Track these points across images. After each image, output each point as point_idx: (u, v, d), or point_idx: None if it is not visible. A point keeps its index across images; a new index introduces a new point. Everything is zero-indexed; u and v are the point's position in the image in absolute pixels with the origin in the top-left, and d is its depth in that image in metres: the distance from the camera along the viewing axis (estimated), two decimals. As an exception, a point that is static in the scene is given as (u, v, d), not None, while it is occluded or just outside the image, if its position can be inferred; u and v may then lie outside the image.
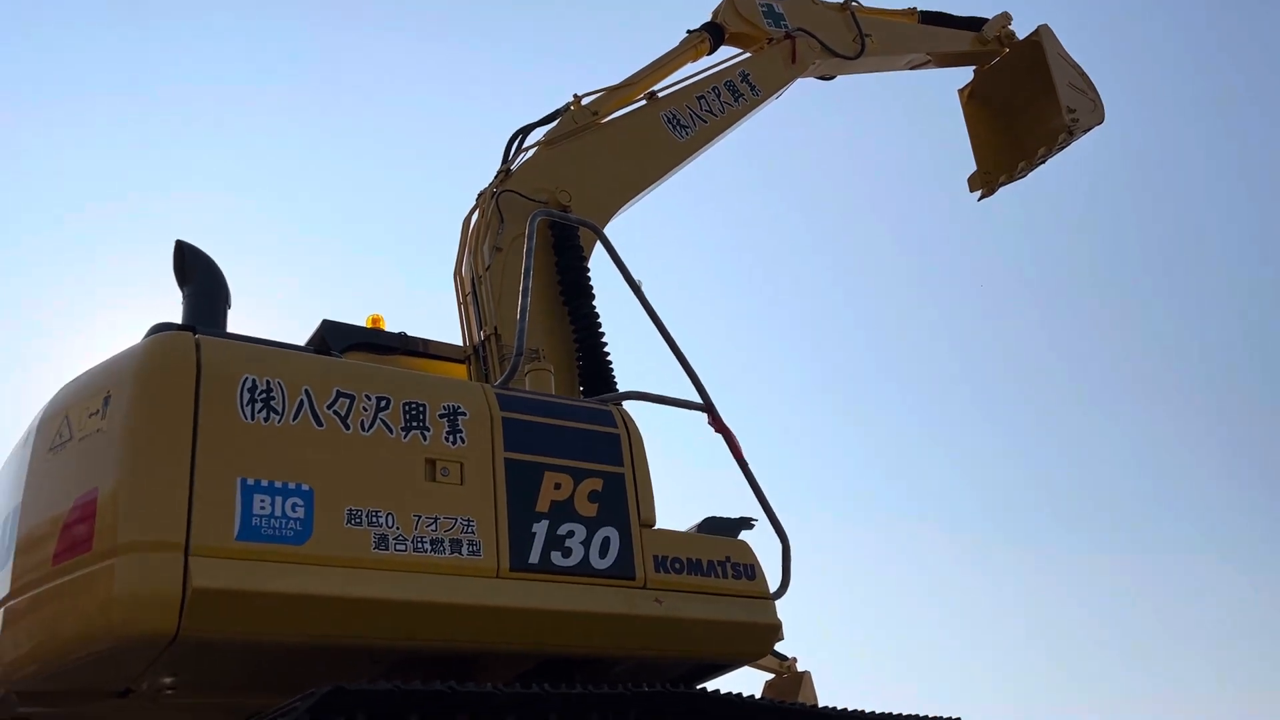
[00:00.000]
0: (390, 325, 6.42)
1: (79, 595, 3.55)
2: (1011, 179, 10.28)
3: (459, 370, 6.11)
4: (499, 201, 6.30)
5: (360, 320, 6.35)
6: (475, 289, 6.25)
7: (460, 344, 6.33)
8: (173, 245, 4.87)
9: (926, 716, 5.29)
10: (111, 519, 3.59)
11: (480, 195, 6.59)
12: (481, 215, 6.39)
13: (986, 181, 10.36)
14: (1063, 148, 9.97)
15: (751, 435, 5.45)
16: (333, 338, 5.96)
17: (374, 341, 6.11)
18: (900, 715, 5.18)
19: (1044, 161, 10.19)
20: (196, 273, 4.81)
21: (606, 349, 6.12)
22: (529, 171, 6.51)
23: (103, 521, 3.60)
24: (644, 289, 5.61)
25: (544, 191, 6.43)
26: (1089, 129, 10.08)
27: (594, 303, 6.24)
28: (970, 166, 10.42)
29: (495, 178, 6.57)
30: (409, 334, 6.40)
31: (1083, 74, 10.27)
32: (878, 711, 5.08)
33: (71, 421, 3.93)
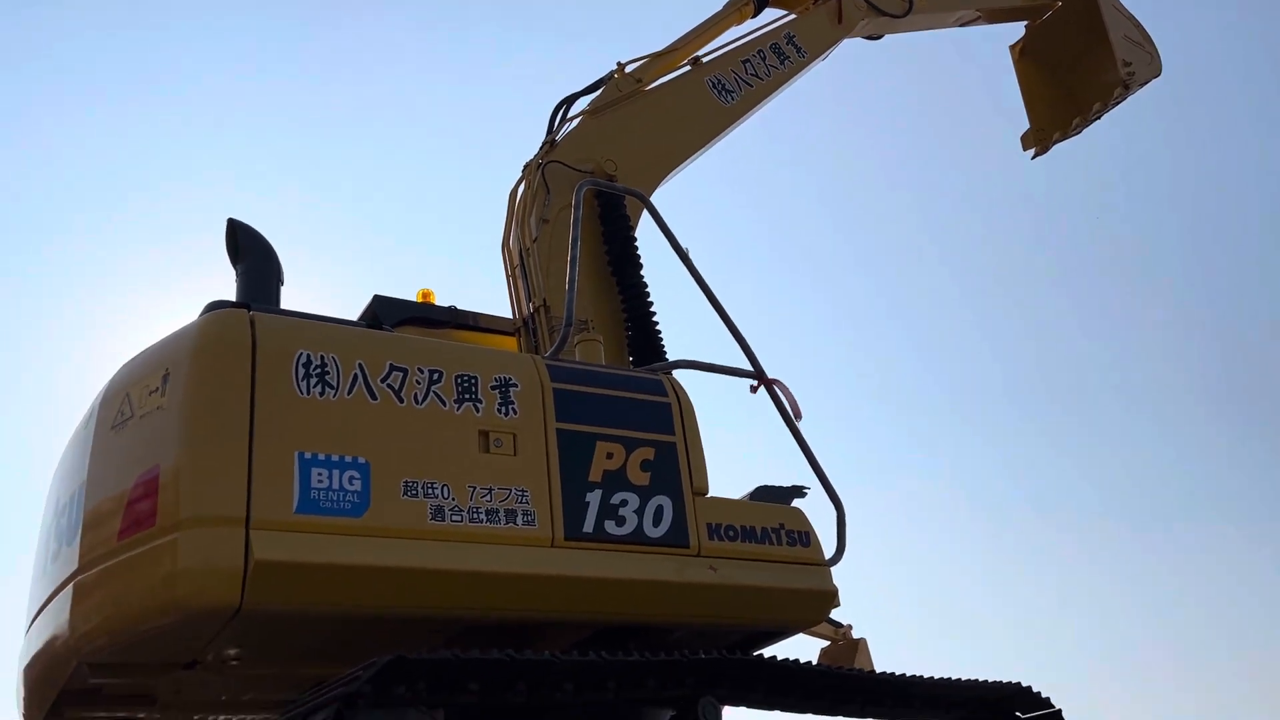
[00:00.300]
0: (440, 300, 6.47)
1: (144, 570, 3.63)
2: (1066, 136, 10.07)
3: (509, 343, 6.13)
4: (544, 173, 6.29)
5: (411, 296, 6.41)
6: (523, 261, 6.26)
7: (510, 317, 6.35)
8: (225, 223, 4.92)
9: (985, 681, 5.26)
10: (174, 495, 3.66)
11: (526, 167, 6.58)
12: (527, 187, 6.39)
13: (1040, 139, 10.16)
14: (1118, 102, 9.74)
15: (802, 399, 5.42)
16: (384, 313, 6.01)
17: (425, 316, 6.15)
18: (959, 680, 5.15)
19: (1099, 117, 9.96)
20: (249, 250, 4.86)
21: (655, 318, 6.10)
22: (574, 142, 6.49)
23: (165, 497, 3.67)
24: (691, 256, 5.57)
25: (589, 161, 6.40)
26: (1145, 82, 9.83)
27: (642, 272, 6.22)
28: (1023, 124, 10.23)
29: (540, 149, 6.56)
30: (459, 308, 6.45)
31: (1139, 26, 10.01)
32: (936, 677, 5.06)
33: (132, 399, 4.00)
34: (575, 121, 6.66)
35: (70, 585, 3.87)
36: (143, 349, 4.22)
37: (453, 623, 4.11)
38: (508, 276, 6.40)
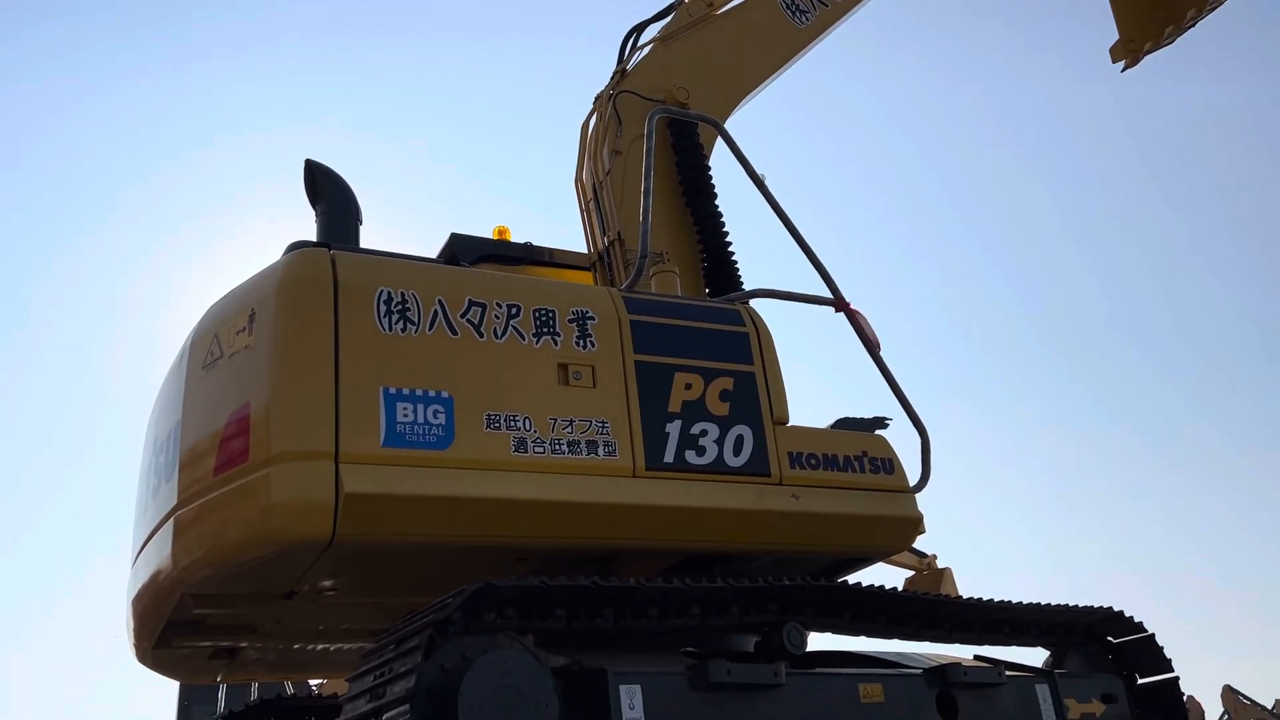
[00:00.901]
0: (516, 237, 6.49)
1: (240, 504, 3.74)
2: (1158, 46, 9.63)
3: (585, 277, 6.13)
4: (616, 103, 6.23)
5: (487, 233, 6.43)
6: (597, 195, 6.22)
7: (585, 251, 6.34)
8: (304, 165, 4.97)
9: (1074, 606, 5.20)
10: (265, 431, 3.75)
11: (597, 99, 6.52)
12: (599, 119, 6.33)
13: (1131, 50, 9.73)
14: (1214, 8, 9.27)
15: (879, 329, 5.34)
16: (462, 250, 6.04)
17: (501, 253, 6.18)
18: (1047, 605, 5.10)
19: (1194, 24, 9.50)
20: (327, 191, 4.91)
21: (731, 248, 6.04)
22: (645, 70, 6.40)
23: (257, 433, 3.76)
24: (767, 183, 5.48)
25: (661, 90, 6.31)
26: None
27: (716, 202, 6.15)
28: (1112, 35, 9.81)
29: (611, 79, 6.48)
30: (534, 244, 6.45)
31: (1234, -73, 9.48)
32: (1023, 602, 5.01)
33: (221, 340, 4.10)
34: (646, 49, 6.57)
35: (171, 520, 4.01)
36: (228, 290, 4.31)
37: (538, 551, 4.18)
38: (582, 211, 6.37)
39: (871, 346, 5.13)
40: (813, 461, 4.61)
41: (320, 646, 5.26)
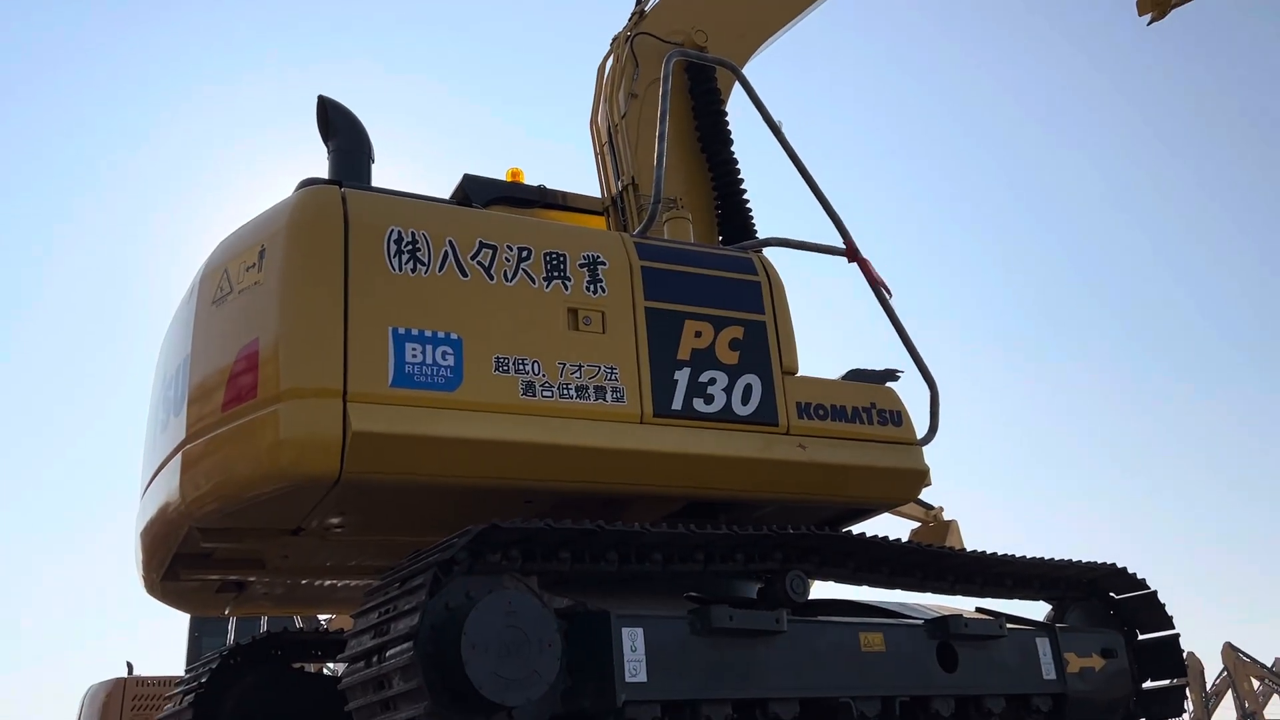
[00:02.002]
0: (529, 179, 6.44)
1: (248, 440, 3.76)
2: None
3: (598, 222, 6.09)
4: (633, 45, 6.14)
5: (500, 175, 6.38)
6: (611, 138, 6.16)
7: (598, 196, 6.30)
8: (316, 101, 4.93)
9: (1077, 561, 5.21)
10: (273, 367, 3.76)
11: (615, 40, 6.43)
12: (616, 61, 6.25)
13: (1158, 3, 9.57)
14: None
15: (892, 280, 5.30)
16: (474, 192, 6.00)
17: (514, 195, 6.13)
18: (1051, 560, 5.11)
19: None
20: (340, 129, 4.87)
21: (746, 196, 5.99)
22: (663, 12, 6.30)
23: (265, 370, 3.77)
24: (784, 130, 5.42)
25: (679, 33, 6.22)
26: None
27: (732, 148, 6.09)
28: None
29: (629, 21, 6.39)
30: (547, 187, 6.41)
31: (1272, -124, 9.25)
32: (1027, 556, 5.02)
33: (230, 275, 4.09)
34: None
35: (179, 454, 4.03)
36: (239, 225, 4.29)
37: (544, 495, 4.19)
38: (596, 154, 6.31)
39: (883, 296, 5.09)
40: (820, 412, 4.61)
41: (328, 582, 5.32)
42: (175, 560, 4.51)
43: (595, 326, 4.26)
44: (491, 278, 4.14)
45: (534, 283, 4.22)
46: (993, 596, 5.21)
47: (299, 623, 10.32)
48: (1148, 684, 5.36)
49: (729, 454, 4.34)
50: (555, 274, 4.28)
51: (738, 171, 6.02)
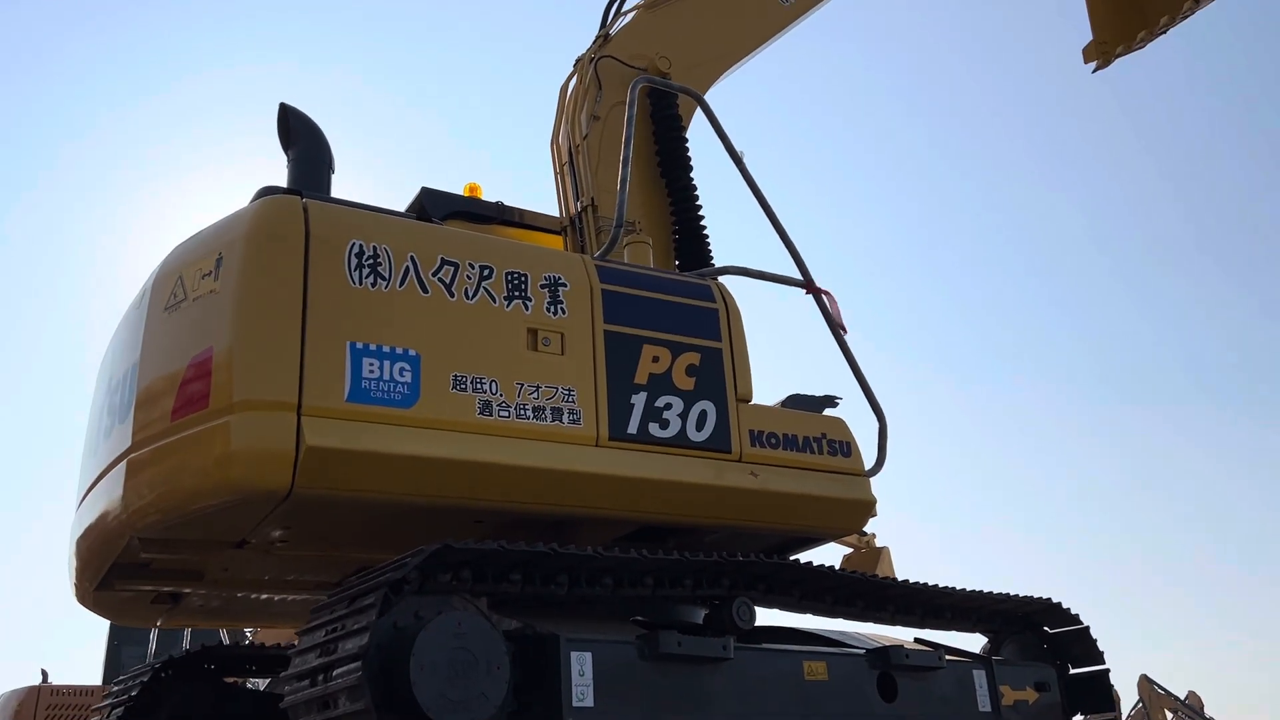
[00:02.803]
0: (486, 195, 6.43)
1: (197, 450, 3.69)
2: (1130, 49, 9.72)
3: (555, 241, 6.09)
4: (597, 68, 6.17)
5: (457, 189, 6.36)
6: (572, 159, 6.18)
7: (556, 215, 6.30)
8: (277, 109, 4.88)
9: (1016, 596, 5.31)
10: (226, 378, 3.70)
11: (578, 62, 6.46)
12: (580, 82, 6.28)
13: (1103, 52, 9.82)
14: (1186, 16, 9.38)
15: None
16: (432, 205, 5.97)
17: (472, 210, 6.11)
18: (991, 594, 5.20)
19: (1165, 31, 9.61)
20: (300, 136, 4.82)
21: (703, 223, 6.04)
22: (628, 37, 6.35)
23: (218, 380, 3.71)
24: (745, 161, 5.48)
25: (643, 58, 6.28)
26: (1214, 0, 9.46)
27: (692, 175, 6.14)
28: (1086, 36, 9.90)
29: (594, 43, 6.42)
30: (506, 204, 6.40)
31: (1213, -64, 9.59)
32: (968, 590, 5.11)
33: (185, 282, 4.02)
34: (630, 15, 6.52)
35: (124, 462, 3.94)
36: (195, 232, 4.22)
37: (496, 515, 4.17)
38: (556, 174, 6.32)
39: (837, 330, 5.16)
40: (773, 440, 4.65)
41: (265, 596, 5.22)
42: (112, 570, 4.40)
43: (554, 348, 4.25)
44: (452, 295, 4.12)
45: (494, 301, 4.21)
46: (931, 627, 5.28)
47: (224, 636, 10.10)
48: (1077, 718, 5.48)
49: (682, 479, 4.36)
50: (516, 294, 4.27)
51: (696, 198, 6.08)
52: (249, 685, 5.64)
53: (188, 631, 13.97)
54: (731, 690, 4.14)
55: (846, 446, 4.87)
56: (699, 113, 6.49)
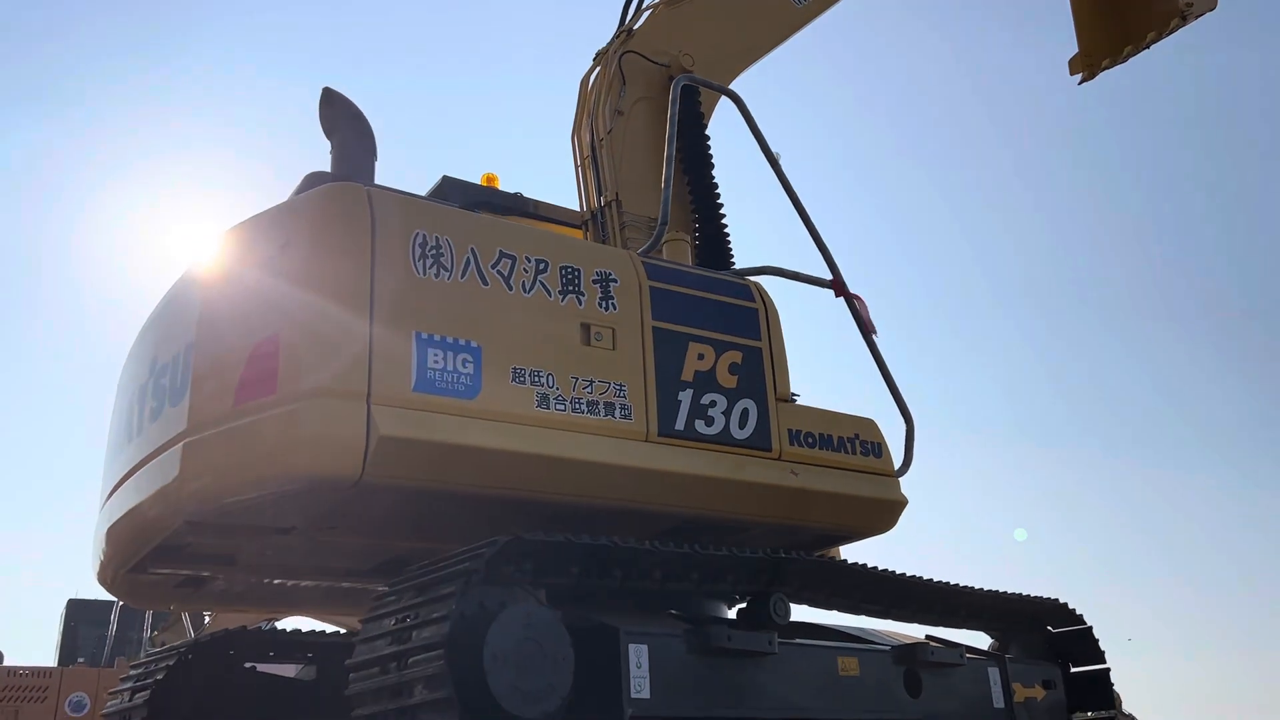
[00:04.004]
0: (502, 186, 6.44)
1: (263, 436, 3.67)
2: (1115, 63, 9.96)
3: (574, 235, 6.11)
4: (621, 63, 6.20)
5: (474, 179, 6.36)
6: (594, 153, 6.20)
7: (573, 208, 6.32)
8: (320, 93, 4.84)
9: (1028, 596, 5.47)
10: (295, 364, 3.69)
11: (598, 55, 6.48)
12: (603, 76, 6.29)
13: (1088, 65, 10.04)
14: (1172, 32, 9.64)
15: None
16: (451, 195, 5.98)
17: (491, 201, 6.13)
18: (1005, 593, 5.35)
19: (1150, 46, 9.87)
20: (344, 123, 4.79)
21: (725, 221, 6.11)
22: (651, 32, 6.38)
23: (286, 365, 3.69)
24: (781, 162, 5.55)
25: (666, 54, 6.32)
26: (1201, 15, 9.72)
27: (713, 173, 6.20)
28: (1072, 48, 10.13)
29: (615, 37, 6.44)
30: (524, 195, 6.41)
31: (1199, -43, 9.85)
32: (985, 589, 5.25)
33: (246, 265, 3.99)
34: (649, 10, 6.55)
35: (179, 445, 3.90)
36: (252, 216, 4.19)
37: (547, 508, 4.20)
38: (576, 167, 6.34)
39: (868, 332, 5.26)
40: (810, 440, 4.73)
41: (289, 583, 5.20)
42: (149, 554, 4.35)
43: (606, 342, 4.29)
44: (510, 288, 4.14)
45: (550, 295, 4.24)
46: (946, 625, 5.42)
47: (207, 619, 10.00)
48: (1076, 715, 5.66)
49: (727, 477, 4.42)
50: (570, 288, 4.30)
51: (718, 197, 6.14)
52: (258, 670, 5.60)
53: (149, 616, 13.77)
54: (773, 684, 4.23)
55: (878, 447, 4.98)
56: (718, 110, 6.57)
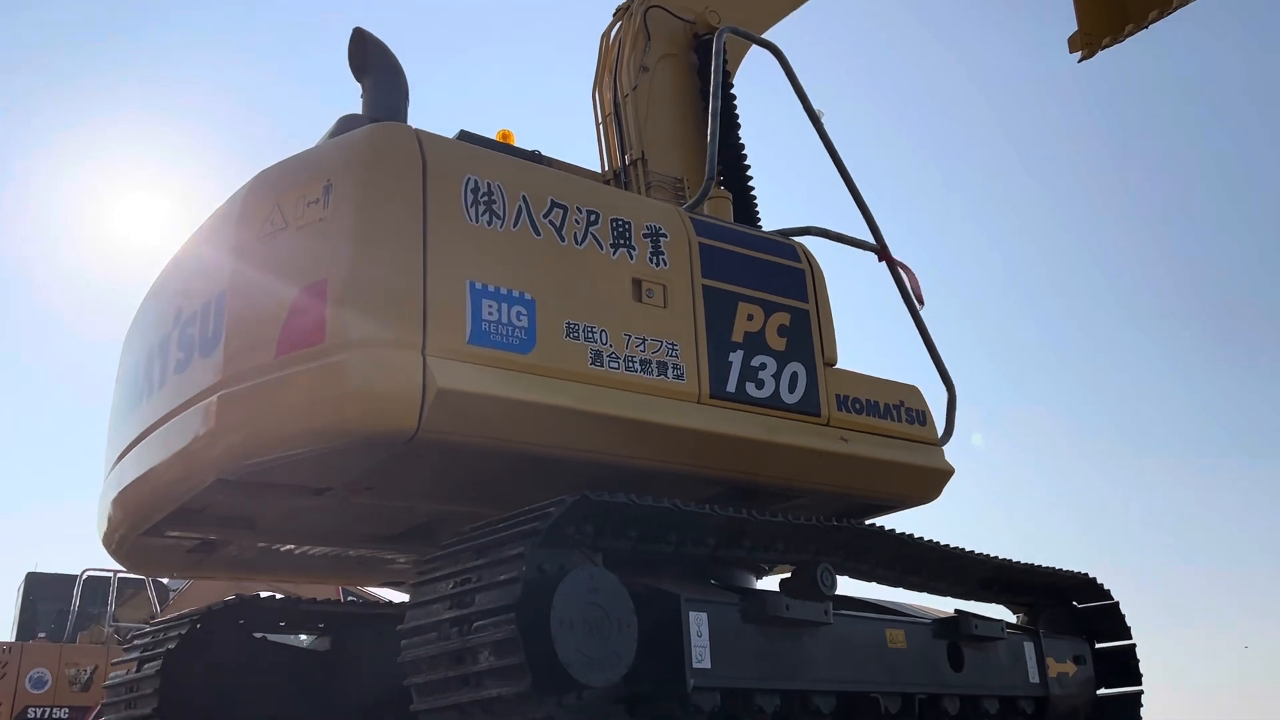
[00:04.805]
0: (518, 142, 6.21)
1: (310, 388, 3.45)
2: (1116, 41, 9.91)
3: None
4: (646, 18, 5.99)
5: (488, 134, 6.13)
6: (616, 110, 5.99)
7: (593, 168, 6.11)
8: (351, 33, 4.59)
9: (1059, 570, 5.39)
10: (345, 312, 3.46)
11: (619, 11, 6.26)
12: (626, 31, 6.08)
13: (1088, 43, 9.93)
14: (1177, 9, 9.61)
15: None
16: (470, 149, 5.74)
17: (509, 157, 5.90)
18: (1039, 567, 5.27)
19: (1152, 24, 9.84)
20: (377, 64, 4.54)
21: (751, 182, 5.94)
22: (676, -13, 6.18)
23: (335, 314, 3.47)
24: (823, 120, 5.38)
25: (690, 11, 6.12)
26: None
27: (739, 132, 6.03)
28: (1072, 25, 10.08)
29: (637, -8, 6.23)
30: (542, 153, 6.19)
31: (1200, -63, 9.84)
32: (1021, 562, 5.16)
33: (284, 209, 3.75)
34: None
35: (213, 398, 3.66)
36: (286, 158, 3.95)
37: (591, 467, 4.01)
38: (597, 125, 6.12)
39: (911, 299, 5.12)
40: (857, 406, 4.60)
41: (298, 550, 4.96)
42: (169, 515, 4.11)
43: (657, 300, 4.11)
44: (563, 239, 3.94)
45: (601, 248, 4.04)
46: (979, 599, 5.33)
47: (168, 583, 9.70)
48: (1102, 691, 5.60)
49: (779, 441, 4.27)
50: (621, 242, 4.11)
51: (745, 156, 5.96)
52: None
53: (115, 579, 13.39)
54: (826, 656, 4.09)
55: (922, 415, 4.85)
56: (743, 66, 6.39)
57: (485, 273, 3.68)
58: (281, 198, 3.79)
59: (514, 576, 3.12)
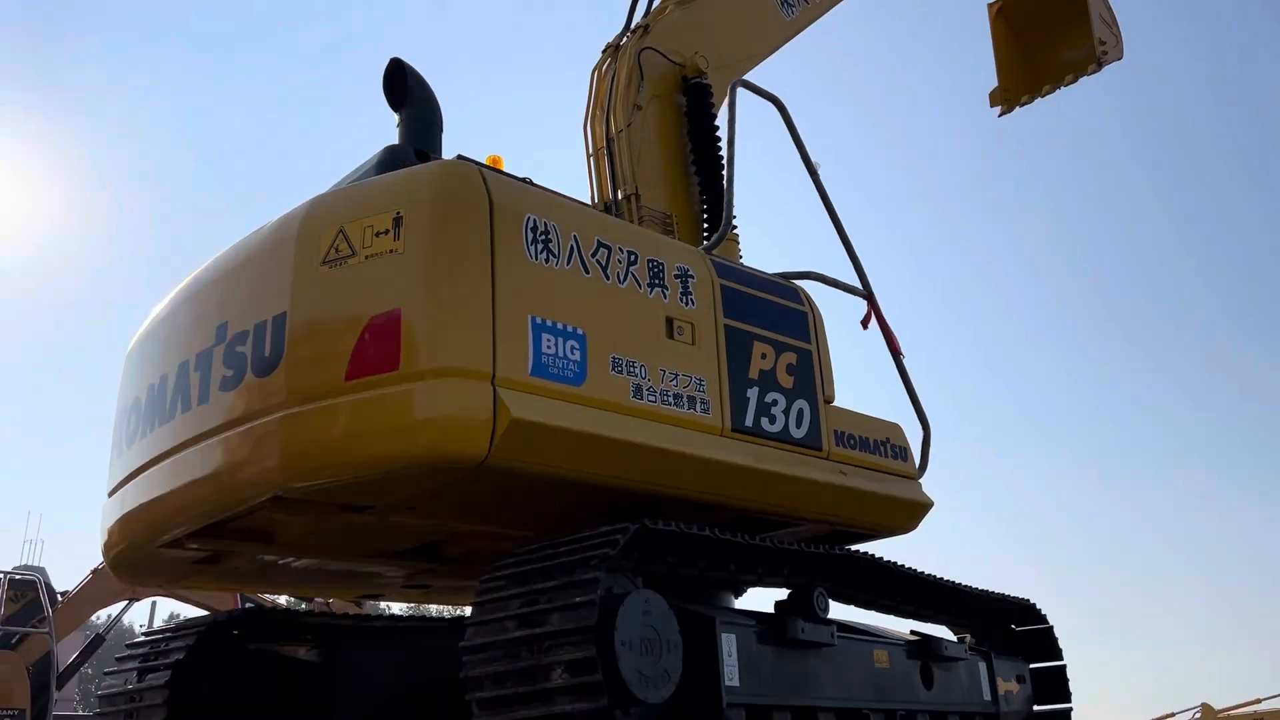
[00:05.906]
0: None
1: (383, 413, 3.60)
2: (1033, 99, 10.64)
3: None
4: (640, 59, 6.26)
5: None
6: (609, 146, 6.23)
7: (581, 200, 6.33)
8: (388, 63, 4.72)
9: (1004, 595, 5.85)
10: (421, 342, 3.62)
11: (609, 49, 6.51)
12: (621, 70, 6.33)
13: (1007, 99, 10.66)
14: (1092, 74, 10.36)
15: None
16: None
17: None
18: (990, 592, 5.72)
19: (1066, 86, 10.57)
20: (414, 95, 4.69)
21: (735, 224, 6.25)
22: (668, 31, 6.45)
23: (409, 343, 3.63)
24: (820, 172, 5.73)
25: (681, 54, 6.42)
26: (1112, 63, 10.50)
27: (724, 174, 6.32)
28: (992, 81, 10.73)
29: (630, 32, 6.49)
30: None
31: (1110, 9, 10.64)
32: (978, 588, 5.59)
33: (350, 237, 3.88)
34: (660, 6, 6.62)
35: (275, 417, 3.77)
36: (346, 186, 4.07)
37: (628, 495, 4.24)
38: (588, 156, 6.35)
39: (894, 345, 5.51)
40: (852, 441, 4.95)
41: (302, 563, 5.03)
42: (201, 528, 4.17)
43: (687, 337, 4.38)
44: (608, 278, 4.18)
45: (640, 287, 4.29)
46: (937, 621, 5.74)
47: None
48: (1038, 707, 6.09)
49: (789, 473, 4.58)
50: (656, 281, 4.37)
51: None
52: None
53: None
54: (829, 673, 4.43)
55: (904, 451, 5.24)
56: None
57: (544, 308, 3.89)
58: (346, 226, 3.92)
59: (590, 599, 3.34)
